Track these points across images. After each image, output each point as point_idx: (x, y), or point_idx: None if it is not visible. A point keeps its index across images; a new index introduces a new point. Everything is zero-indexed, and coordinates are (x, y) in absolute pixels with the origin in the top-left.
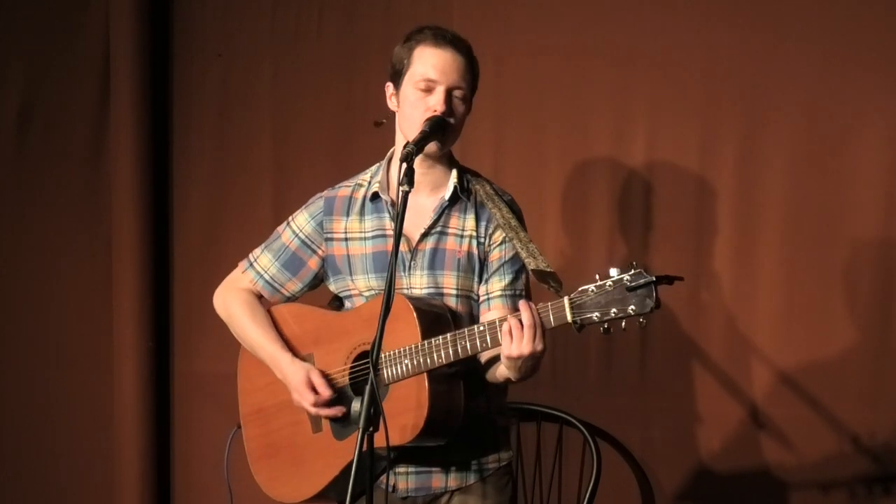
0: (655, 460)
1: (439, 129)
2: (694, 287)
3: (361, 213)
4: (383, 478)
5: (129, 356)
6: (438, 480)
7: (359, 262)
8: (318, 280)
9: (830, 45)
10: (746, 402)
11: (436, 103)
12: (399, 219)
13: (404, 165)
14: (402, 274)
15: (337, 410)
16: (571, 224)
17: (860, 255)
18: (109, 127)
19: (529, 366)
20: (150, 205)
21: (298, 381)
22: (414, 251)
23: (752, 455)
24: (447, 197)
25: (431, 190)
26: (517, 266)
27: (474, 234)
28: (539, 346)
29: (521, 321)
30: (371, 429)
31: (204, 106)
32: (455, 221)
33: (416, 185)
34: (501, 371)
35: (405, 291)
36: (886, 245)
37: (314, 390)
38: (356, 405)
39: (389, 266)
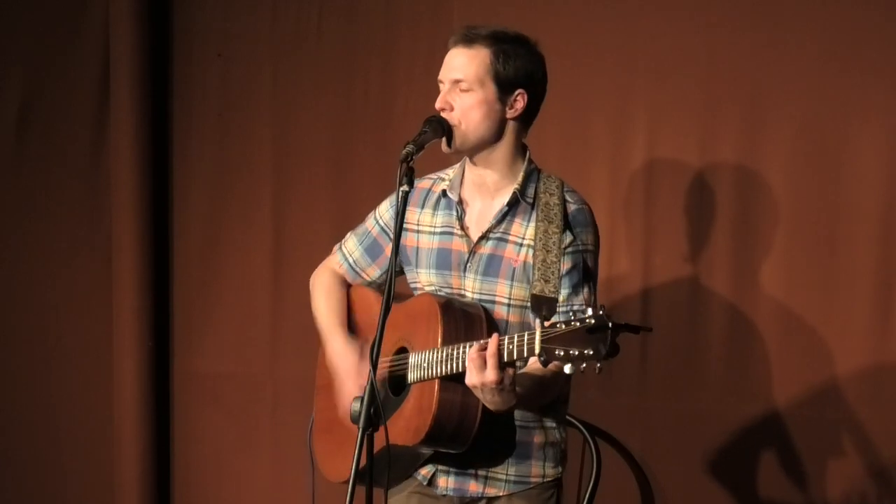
0: (655, 460)
1: (439, 128)
2: (694, 286)
3: (435, 207)
4: (423, 469)
5: (129, 356)
6: (476, 485)
7: (424, 256)
8: (398, 268)
9: (830, 45)
10: (746, 402)
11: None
12: (399, 219)
13: (404, 165)
14: (460, 274)
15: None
16: None
17: (860, 254)
18: (109, 127)
19: (489, 399)
20: (150, 205)
21: (348, 367)
22: (472, 253)
23: (752, 455)
24: (506, 202)
25: (496, 192)
26: (575, 280)
27: (533, 243)
28: (490, 377)
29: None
30: (371, 429)
31: (204, 106)
32: (517, 228)
33: (478, 187)
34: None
35: (461, 293)
36: (886, 244)
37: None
38: (356, 405)
39: (390, 267)
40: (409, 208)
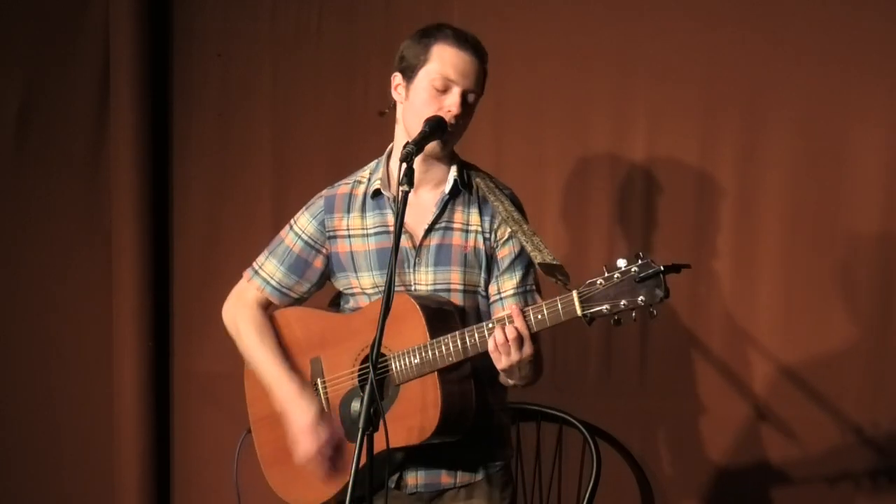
0: (655, 460)
1: (439, 130)
2: (694, 286)
3: (363, 209)
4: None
5: (129, 356)
6: (447, 477)
7: (363, 259)
8: (325, 279)
9: (830, 46)
10: (746, 402)
11: (451, 104)
12: (399, 218)
13: (404, 165)
14: (407, 270)
15: (332, 461)
16: (572, 225)
17: (859, 253)
18: (109, 127)
19: (526, 372)
20: (150, 205)
21: (304, 423)
22: (419, 248)
23: (753, 455)
24: (447, 191)
25: (433, 186)
26: (526, 261)
27: (479, 228)
28: (528, 352)
29: (504, 332)
30: (370, 429)
31: (204, 106)
32: (459, 216)
33: (417, 182)
34: (504, 378)
35: (410, 289)
36: (885, 243)
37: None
38: (356, 405)
39: (389, 266)
40: (334, 215)
